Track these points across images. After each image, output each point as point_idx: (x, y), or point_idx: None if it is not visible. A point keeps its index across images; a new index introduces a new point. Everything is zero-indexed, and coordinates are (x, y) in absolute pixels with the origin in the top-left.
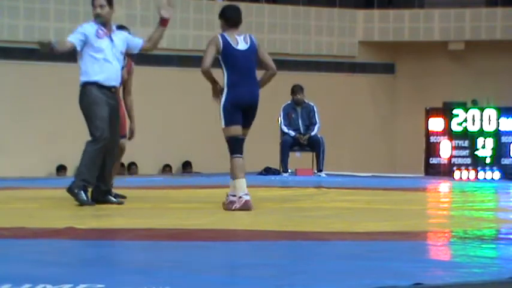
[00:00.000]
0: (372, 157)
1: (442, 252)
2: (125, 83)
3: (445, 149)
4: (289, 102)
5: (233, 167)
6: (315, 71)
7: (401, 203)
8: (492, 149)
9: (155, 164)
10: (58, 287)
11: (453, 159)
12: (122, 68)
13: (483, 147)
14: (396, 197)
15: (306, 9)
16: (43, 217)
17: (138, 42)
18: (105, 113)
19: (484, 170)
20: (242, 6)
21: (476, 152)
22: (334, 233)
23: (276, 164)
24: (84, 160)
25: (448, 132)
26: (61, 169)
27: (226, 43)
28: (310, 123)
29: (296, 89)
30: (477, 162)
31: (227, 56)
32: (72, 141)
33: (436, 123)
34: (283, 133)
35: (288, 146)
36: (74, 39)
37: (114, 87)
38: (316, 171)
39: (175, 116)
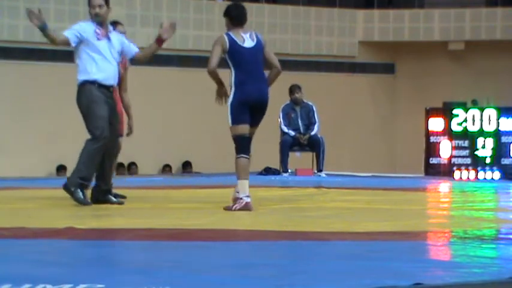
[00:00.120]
0: (372, 157)
1: (442, 252)
2: (121, 79)
3: (445, 149)
4: (288, 102)
5: (237, 168)
6: (315, 71)
7: (401, 203)
8: (492, 149)
9: (155, 164)
10: (58, 287)
11: (453, 159)
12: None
13: (483, 147)
14: (396, 197)
15: (306, 9)
16: (43, 217)
17: (132, 49)
18: (104, 112)
19: (484, 170)
20: None
21: (476, 152)
22: (334, 233)
23: (276, 164)
24: (82, 158)
25: (448, 132)
26: (61, 169)
27: (232, 41)
28: (309, 123)
29: (294, 89)
30: (477, 162)
31: (234, 54)
32: (72, 141)
33: (436, 123)
34: (283, 133)
35: (288, 146)
36: (69, 34)
37: (112, 86)
38: (316, 171)
39: (175, 116)
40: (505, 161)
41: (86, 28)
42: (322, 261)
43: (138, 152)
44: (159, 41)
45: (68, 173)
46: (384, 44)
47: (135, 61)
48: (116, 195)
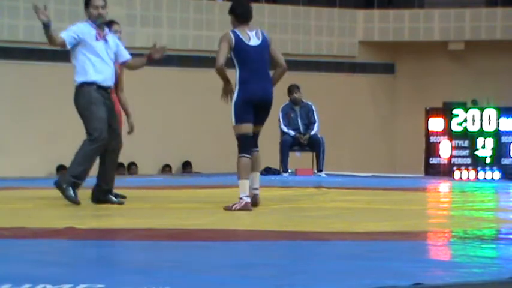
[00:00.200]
0: (372, 157)
1: (442, 252)
2: (118, 79)
3: (445, 149)
4: (287, 102)
5: (238, 167)
6: (315, 71)
7: (401, 203)
8: (492, 149)
9: (155, 164)
10: (58, 287)
11: (453, 159)
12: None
13: (483, 147)
14: (396, 197)
15: (306, 9)
16: (43, 217)
17: (125, 55)
18: (103, 113)
19: (484, 170)
20: None
21: (476, 152)
22: (334, 233)
23: (276, 164)
24: (78, 157)
25: (448, 132)
26: (61, 169)
27: (238, 39)
28: (309, 123)
29: (292, 89)
30: (477, 162)
31: (239, 52)
32: (72, 141)
33: (436, 123)
34: (283, 133)
35: (288, 145)
36: (66, 36)
37: (110, 87)
38: (316, 171)
39: (175, 116)
40: (505, 161)
41: (84, 29)
42: (322, 261)
43: (138, 152)
44: (150, 58)
45: None
46: (384, 44)
47: (124, 66)
48: (116, 195)
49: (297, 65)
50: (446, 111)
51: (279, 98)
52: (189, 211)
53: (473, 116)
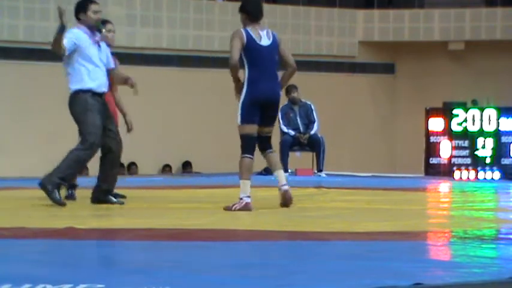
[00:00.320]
0: (372, 157)
1: (442, 252)
2: (112, 79)
3: (445, 149)
4: (286, 102)
5: (240, 167)
6: (315, 71)
7: (401, 203)
8: (492, 149)
9: (155, 164)
10: (58, 287)
11: (453, 159)
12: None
13: (483, 147)
14: (396, 197)
15: (306, 9)
16: (43, 217)
17: (110, 63)
18: (99, 121)
19: (484, 170)
20: None
21: (476, 152)
22: (334, 233)
23: None
24: (68, 160)
25: (448, 132)
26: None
27: (250, 38)
28: (309, 122)
29: (290, 89)
30: (477, 162)
31: (250, 51)
32: (72, 141)
33: (436, 123)
34: (282, 133)
35: (288, 145)
36: (66, 43)
37: (104, 93)
38: (316, 171)
39: (175, 116)
40: (505, 161)
41: (79, 35)
42: (322, 261)
43: (138, 152)
44: (127, 84)
45: None
46: (384, 44)
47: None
48: (115, 195)
49: (296, 65)
50: (446, 111)
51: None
52: (189, 211)
53: (473, 116)
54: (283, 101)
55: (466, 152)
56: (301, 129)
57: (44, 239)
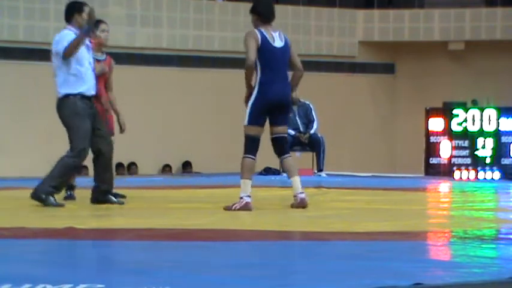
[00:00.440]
0: (372, 157)
1: (442, 252)
2: (106, 78)
3: (445, 149)
4: None
5: (241, 167)
6: (315, 71)
7: (401, 203)
8: (492, 149)
9: (155, 164)
10: (58, 287)
11: (453, 159)
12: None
13: (483, 147)
14: (396, 197)
15: (306, 9)
16: (43, 217)
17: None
18: (88, 125)
19: (484, 170)
20: (242, 6)
21: (476, 152)
22: (334, 233)
23: (276, 164)
24: (58, 168)
25: (448, 132)
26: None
27: (264, 39)
28: (308, 122)
29: None
30: (477, 162)
31: (264, 52)
32: None
33: (436, 123)
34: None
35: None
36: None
37: (93, 96)
38: (316, 171)
39: (175, 116)
40: (505, 161)
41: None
42: (322, 261)
43: (138, 152)
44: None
45: None
46: (384, 44)
47: None
48: (115, 195)
49: None
50: (446, 111)
51: None
52: (189, 211)
53: (473, 116)
54: None
55: (466, 152)
56: (301, 128)
57: (44, 239)
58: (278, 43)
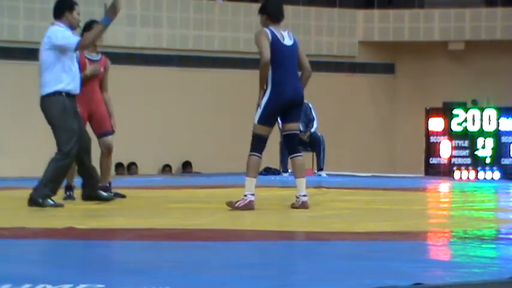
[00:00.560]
0: (372, 157)
1: (442, 252)
2: (101, 79)
3: (445, 149)
4: None
5: (247, 165)
6: (315, 71)
7: (401, 203)
8: (492, 149)
9: (155, 164)
10: (58, 287)
11: (453, 159)
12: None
13: (483, 147)
14: (396, 197)
15: (306, 9)
16: (43, 217)
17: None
18: (75, 125)
19: (484, 170)
20: (242, 6)
21: (476, 152)
22: (334, 233)
23: (276, 164)
24: (49, 172)
25: (448, 132)
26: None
27: (275, 38)
28: (308, 121)
29: None
30: (477, 162)
31: (274, 51)
32: None
33: (436, 123)
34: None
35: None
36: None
37: (77, 95)
38: (316, 171)
39: (175, 116)
40: (505, 161)
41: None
42: (322, 261)
43: (138, 152)
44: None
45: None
46: (384, 44)
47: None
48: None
49: None
50: (446, 111)
51: None
52: (189, 211)
53: (473, 116)
54: None
55: (466, 152)
56: (301, 128)
57: (44, 239)
58: (288, 42)
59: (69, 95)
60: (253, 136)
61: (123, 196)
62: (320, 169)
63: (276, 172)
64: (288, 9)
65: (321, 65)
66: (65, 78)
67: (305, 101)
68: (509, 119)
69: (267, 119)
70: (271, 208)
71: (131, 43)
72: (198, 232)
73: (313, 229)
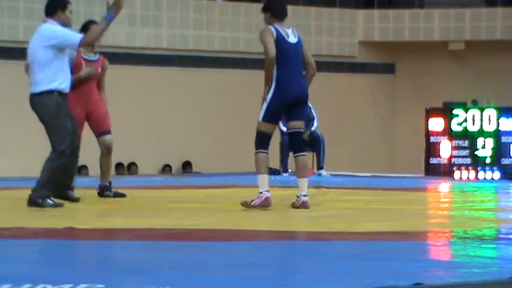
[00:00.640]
0: (372, 157)
1: (442, 252)
2: (99, 79)
3: (445, 149)
4: None
5: (256, 163)
6: None
7: (401, 203)
8: (492, 149)
9: (155, 164)
10: (58, 287)
11: (453, 159)
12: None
13: (483, 147)
14: (396, 197)
15: (306, 9)
16: (43, 217)
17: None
18: (69, 124)
19: (484, 170)
20: (242, 6)
21: (476, 152)
22: (334, 233)
23: (276, 164)
24: (46, 173)
25: (448, 132)
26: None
27: (279, 35)
28: (308, 120)
29: None
30: (477, 162)
31: (279, 49)
32: None
33: (436, 123)
34: (282, 134)
35: (288, 146)
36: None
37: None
38: (316, 170)
39: (175, 116)
40: (505, 161)
41: None
42: (322, 261)
43: (138, 152)
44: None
45: None
46: (384, 44)
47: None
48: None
49: None
50: (446, 111)
51: None
52: (189, 211)
53: (473, 116)
54: None
55: (466, 152)
56: None
57: (44, 239)
58: (292, 39)
59: (61, 93)
60: (258, 134)
61: (123, 195)
62: (320, 168)
63: (276, 172)
64: (288, 9)
65: (321, 65)
66: (59, 77)
67: None
68: (509, 119)
69: (271, 117)
70: (271, 208)
71: (131, 43)
72: (198, 232)
73: (313, 229)
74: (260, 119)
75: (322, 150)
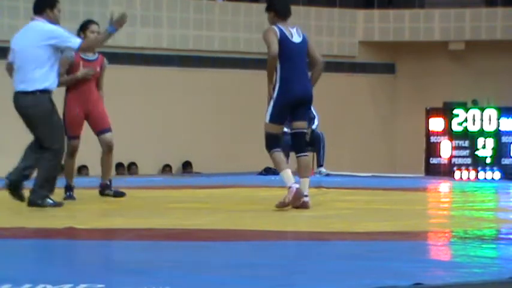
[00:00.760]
0: (372, 157)
1: (442, 252)
2: (98, 78)
3: (445, 149)
4: None
5: (275, 162)
6: None
7: (401, 203)
8: (492, 149)
9: (155, 164)
10: (58, 287)
11: (453, 159)
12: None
13: (483, 147)
14: (396, 197)
15: (306, 9)
16: (43, 217)
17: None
18: (61, 123)
19: (484, 170)
20: (242, 6)
21: (476, 152)
22: (334, 233)
23: None
24: (43, 175)
25: (448, 132)
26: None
27: (283, 35)
28: (309, 119)
29: None
30: (477, 162)
31: (283, 48)
32: None
33: (436, 123)
34: (284, 133)
35: (288, 146)
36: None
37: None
38: (316, 168)
39: (175, 116)
40: (505, 161)
41: None
42: (322, 261)
43: (138, 152)
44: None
45: None
46: (384, 44)
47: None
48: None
49: None
50: (446, 111)
51: None
52: (189, 211)
53: (474, 116)
54: None
55: (466, 152)
56: None
57: (44, 239)
58: (296, 39)
59: (51, 92)
60: (267, 136)
61: (123, 194)
62: (320, 165)
63: (276, 172)
64: None
65: None
66: (52, 76)
67: None
68: (510, 119)
69: (277, 117)
70: (271, 208)
71: (131, 43)
72: (198, 232)
73: (313, 229)
74: (267, 121)
75: (322, 148)
